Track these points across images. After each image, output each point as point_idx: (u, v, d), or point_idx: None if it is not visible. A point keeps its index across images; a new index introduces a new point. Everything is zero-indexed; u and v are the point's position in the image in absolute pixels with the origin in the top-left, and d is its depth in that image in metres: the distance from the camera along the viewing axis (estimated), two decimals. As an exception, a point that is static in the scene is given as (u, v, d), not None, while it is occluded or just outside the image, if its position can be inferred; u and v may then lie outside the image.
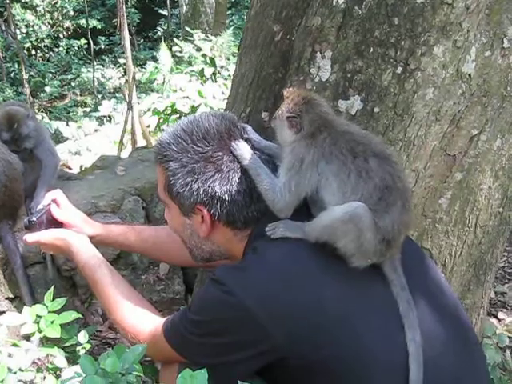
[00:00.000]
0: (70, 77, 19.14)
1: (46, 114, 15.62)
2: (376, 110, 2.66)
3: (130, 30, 20.21)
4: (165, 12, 20.37)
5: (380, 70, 2.61)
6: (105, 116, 14.01)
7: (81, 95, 18.55)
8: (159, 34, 21.20)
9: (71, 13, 20.75)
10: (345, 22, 2.65)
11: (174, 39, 12.30)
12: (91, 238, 2.89)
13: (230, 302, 2.05)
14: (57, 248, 2.86)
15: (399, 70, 2.59)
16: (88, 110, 16.16)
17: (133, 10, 20.57)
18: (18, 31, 18.96)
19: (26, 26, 20.05)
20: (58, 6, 20.62)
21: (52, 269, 3.74)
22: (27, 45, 19.70)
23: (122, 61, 19.20)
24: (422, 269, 2.31)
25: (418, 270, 2.28)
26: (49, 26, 20.68)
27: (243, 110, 3.17)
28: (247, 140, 2.36)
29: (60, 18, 20.84)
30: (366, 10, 2.59)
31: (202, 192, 2.25)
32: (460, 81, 2.63)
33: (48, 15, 20.76)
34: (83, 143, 11.55)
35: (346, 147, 2.16)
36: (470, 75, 2.64)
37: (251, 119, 3.12)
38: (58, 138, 11.09)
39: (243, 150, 2.27)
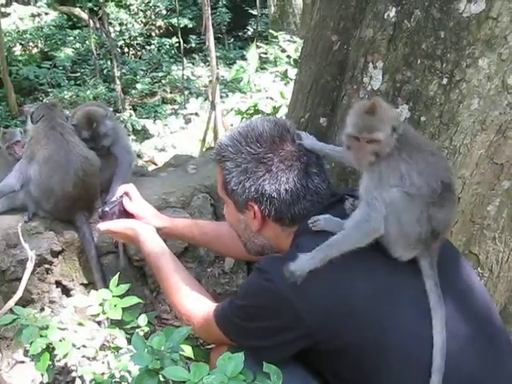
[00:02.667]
0: (160, 74, 19.53)
1: (135, 110, 16.07)
2: (423, 118, 2.79)
3: (220, 30, 20.65)
4: (255, 12, 20.58)
5: (427, 81, 2.75)
6: (192, 114, 14.33)
7: (171, 93, 18.93)
8: (249, 33, 21.44)
9: (163, 12, 21.25)
10: (395, 34, 2.80)
11: (258, 43, 12.48)
12: (158, 230, 3.11)
13: (269, 288, 2.26)
14: (126, 237, 3.11)
15: (445, 81, 2.72)
16: (176, 107, 16.52)
17: (224, 9, 20.86)
18: (111, 29, 19.57)
19: (120, 25, 20.63)
20: (150, 4, 21.15)
21: (123, 258, 4.00)
22: (120, 43, 20.22)
23: (211, 60, 19.56)
24: (455, 271, 2.42)
25: (452, 271, 2.40)
26: (142, 25, 21.21)
27: (302, 115, 3.35)
28: (299, 145, 2.52)
29: (152, 17, 21.35)
30: (415, 24, 2.73)
31: (253, 190, 2.45)
32: (506, 92, 2.72)
33: (141, 14, 21.30)
34: (169, 140, 11.89)
35: None
36: (515, 87, 2.73)
37: (310, 124, 3.30)
38: (145, 134, 11.48)
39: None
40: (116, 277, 3.01)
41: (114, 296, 2.91)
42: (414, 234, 2.22)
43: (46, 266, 3.90)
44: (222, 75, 13.59)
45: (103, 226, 3.11)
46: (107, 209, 3.13)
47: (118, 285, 2.96)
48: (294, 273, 2.17)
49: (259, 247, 2.67)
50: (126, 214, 3.17)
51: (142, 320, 2.79)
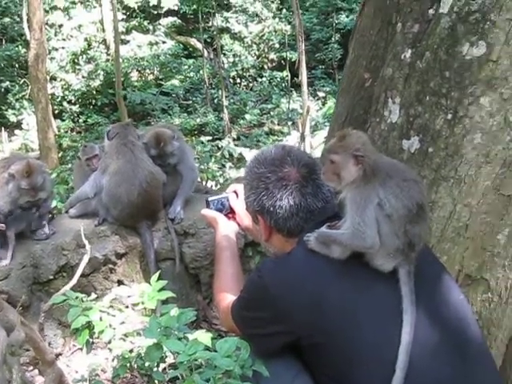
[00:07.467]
0: (269, 106, 20.14)
1: (238, 139, 16.64)
2: (430, 149, 3.08)
3: (332, 65, 21.07)
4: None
5: (434, 116, 3.05)
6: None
7: (278, 124, 19.42)
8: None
9: (276, 45, 21.95)
10: (410, 73, 3.12)
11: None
12: (247, 230, 3.44)
13: (259, 284, 2.64)
14: (210, 224, 3.55)
15: (449, 116, 3.01)
16: (280, 139, 16.95)
17: (336, 45, 21.31)
18: (225, 60, 20.41)
19: (234, 56, 21.53)
20: (264, 38, 21.95)
21: (179, 265, 4.44)
22: (233, 73, 21.09)
23: (320, 94, 20.00)
24: (432, 282, 2.68)
25: (429, 283, 2.65)
26: (254, 57, 22.03)
27: (337, 143, 3.68)
28: (300, 167, 2.83)
29: (266, 50, 22.14)
30: (425, 64, 3.05)
31: (255, 204, 2.83)
32: (508, 128, 2.97)
33: (255, 46, 22.13)
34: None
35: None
36: (518, 124, 2.97)
37: (343, 152, 3.62)
38: (241, 162, 11.95)
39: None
40: (157, 274, 3.40)
41: (152, 290, 3.31)
42: (392, 246, 2.52)
43: (110, 266, 4.41)
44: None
45: (203, 211, 3.51)
46: (209, 199, 3.51)
47: (157, 280, 3.35)
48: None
49: (273, 255, 3.01)
50: (227, 208, 3.51)
51: (174, 311, 3.16)
